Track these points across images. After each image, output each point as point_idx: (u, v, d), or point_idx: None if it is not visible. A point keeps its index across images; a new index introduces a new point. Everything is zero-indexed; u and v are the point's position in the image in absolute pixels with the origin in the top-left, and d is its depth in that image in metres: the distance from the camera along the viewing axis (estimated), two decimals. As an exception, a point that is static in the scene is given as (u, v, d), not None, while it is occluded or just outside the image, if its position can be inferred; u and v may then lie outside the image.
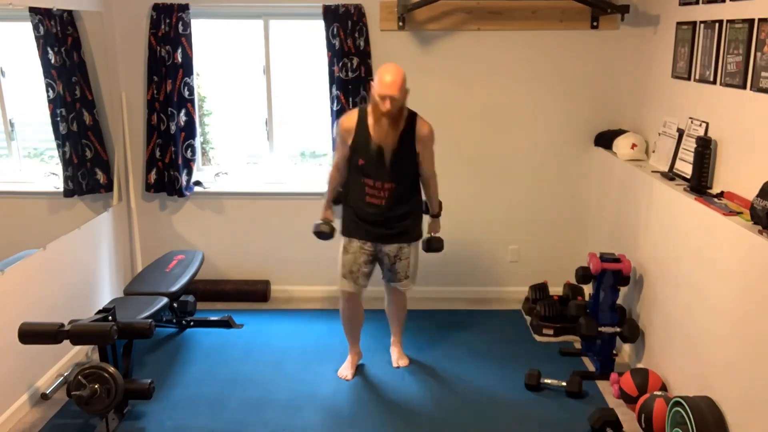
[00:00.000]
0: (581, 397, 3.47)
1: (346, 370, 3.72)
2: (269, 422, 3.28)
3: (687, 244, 3.11)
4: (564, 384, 3.51)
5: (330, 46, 4.31)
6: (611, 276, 3.61)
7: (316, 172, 4.80)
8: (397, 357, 3.84)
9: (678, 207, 3.20)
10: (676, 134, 3.54)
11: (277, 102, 4.63)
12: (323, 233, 3.61)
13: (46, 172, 4.17)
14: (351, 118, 3.43)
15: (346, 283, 3.55)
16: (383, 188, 3.38)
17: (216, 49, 4.64)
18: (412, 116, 3.38)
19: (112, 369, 3.04)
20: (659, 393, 3.14)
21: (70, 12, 4.00)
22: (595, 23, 4.31)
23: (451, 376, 3.70)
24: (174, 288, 3.90)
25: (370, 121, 3.33)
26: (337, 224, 3.61)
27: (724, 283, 2.76)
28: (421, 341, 4.09)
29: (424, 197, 3.61)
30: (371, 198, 3.41)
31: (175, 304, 4.17)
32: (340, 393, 3.54)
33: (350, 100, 4.35)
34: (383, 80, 3.19)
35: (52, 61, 3.93)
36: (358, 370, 3.77)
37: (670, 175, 3.50)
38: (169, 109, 4.40)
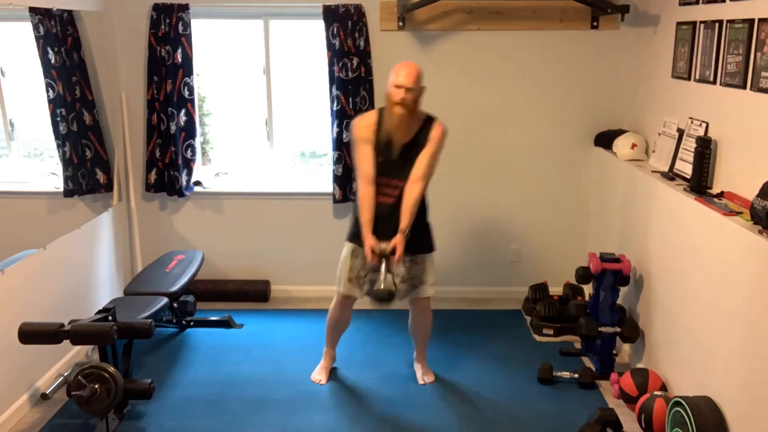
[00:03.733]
0: (594, 387, 3.51)
1: (319, 374, 3.66)
2: (269, 422, 3.28)
3: (687, 244, 3.11)
4: (576, 375, 3.55)
5: (330, 46, 4.31)
6: (611, 276, 3.61)
7: (316, 172, 4.81)
8: (422, 374, 3.66)
9: (678, 207, 3.20)
10: (676, 134, 3.54)
11: (277, 102, 4.63)
12: (382, 297, 3.17)
13: (46, 172, 4.17)
14: (369, 116, 3.33)
15: (350, 288, 3.42)
16: (395, 186, 3.27)
17: (216, 49, 4.65)
18: (430, 119, 3.31)
19: (112, 369, 3.04)
20: (659, 393, 3.14)
21: (70, 12, 4.00)
22: (595, 23, 4.31)
23: (451, 377, 3.70)
24: (174, 288, 3.90)
25: (385, 114, 3.25)
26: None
27: (724, 283, 2.76)
28: (421, 341, 4.09)
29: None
30: (382, 197, 3.28)
31: (175, 304, 4.17)
32: (340, 393, 3.54)
33: (350, 100, 4.35)
34: (398, 72, 3.17)
35: (52, 61, 3.93)
36: (360, 370, 3.77)
37: (670, 175, 3.50)
38: (169, 109, 4.40)
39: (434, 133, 3.27)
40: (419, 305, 3.52)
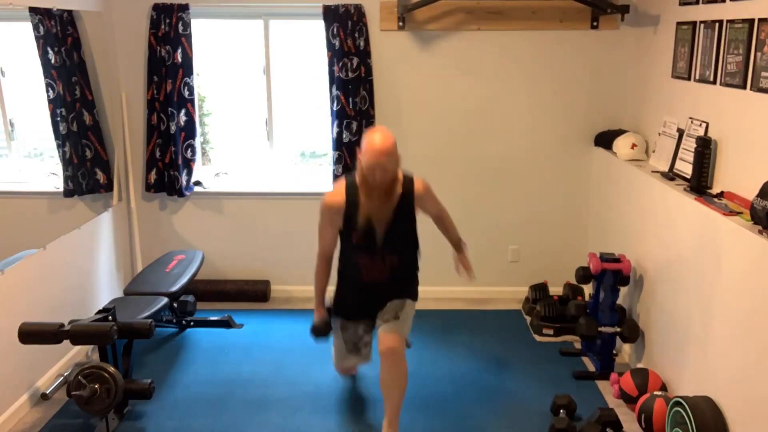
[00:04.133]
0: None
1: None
2: (269, 422, 3.28)
3: (687, 244, 3.11)
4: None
5: (330, 46, 4.31)
6: (611, 276, 3.61)
7: (316, 172, 4.81)
8: None
9: (678, 207, 3.20)
10: (676, 134, 3.54)
11: (277, 102, 4.63)
12: (319, 330, 3.21)
13: (46, 172, 4.17)
14: (338, 193, 2.97)
15: (353, 359, 3.26)
16: (385, 264, 3.02)
17: (216, 49, 4.65)
18: (409, 182, 2.99)
19: (112, 369, 3.04)
20: (659, 393, 3.14)
21: (70, 12, 4.00)
22: (595, 23, 4.31)
23: (451, 377, 3.70)
24: (174, 288, 3.90)
25: (361, 193, 2.91)
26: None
27: (724, 283, 2.76)
28: (420, 341, 4.09)
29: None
30: (370, 276, 3.04)
31: (175, 304, 4.17)
32: (340, 393, 3.54)
33: (350, 100, 4.35)
34: (371, 145, 2.79)
35: (52, 61, 3.93)
36: (360, 370, 3.77)
37: (670, 175, 3.50)
38: (169, 109, 4.40)
39: (420, 193, 3.00)
40: (388, 354, 2.93)
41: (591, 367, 3.77)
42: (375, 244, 2.98)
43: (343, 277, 3.21)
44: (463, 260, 3.36)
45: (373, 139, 2.81)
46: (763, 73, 2.77)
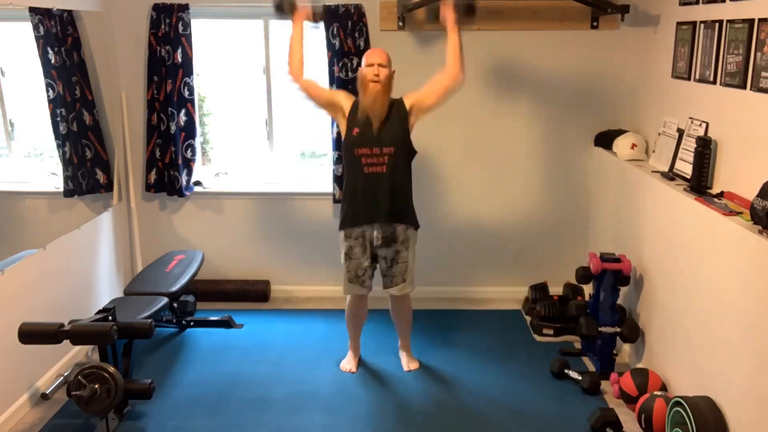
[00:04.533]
0: (598, 393, 3.50)
1: (349, 364, 3.79)
2: (269, 422, 3.28)
3: (687, 244, 3.11)
4: (580, 378, 3.55)
5: (330, 46, 4.31)
6: (611, 276, 3.61)
7: (316, 172, 4.81)
8: (407, 361, 3.81)
9: (678, 207, 3.20)
10: (676, 134, 3.54)
11: (277, 102, 4.63)
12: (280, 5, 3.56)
13: (46, 172, 4.17)
14: (350, 96, 3.58)
15: (353, 288, 3.60)
16: (382, 153, 3.40)
17: (216, 49, 4.64)
18: (399, 100, 3.50)
19: (112, 369, 3.04)
20: (659, 393, 3.14)
21: (70, 12, 4.00)
22: (595, 23, 4.31)
23: (451, 377, 3.70)
24: (174, 288, 3.90)
25: (360, 94, 3.46)
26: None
27: (724, 283, 2.76)
28: (421, 341, 4.09)
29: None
30: (371, 168, 3.42)
31: (175, 304, 4.17)
32: (340, 393, 3.54)
33: (350, 100, 4.35)
34: (369, 55, 3.44)
35: (52, 61, 3.93)
36: (359, 370, 3.77)
37: (670, 175, 3.50)
38: (169, 109, 4.40)
39: (407, 98, 3.49)
40: (397, 297, 3.65)
41: (591, 367, 3.77)
42: (372, 134, 3.40)
43: (349, 183, 3.51)
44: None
45: (371, 51, 3.50)
46: (763, 73, 2.77)
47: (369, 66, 3.40)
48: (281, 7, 3.56)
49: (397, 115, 3.45)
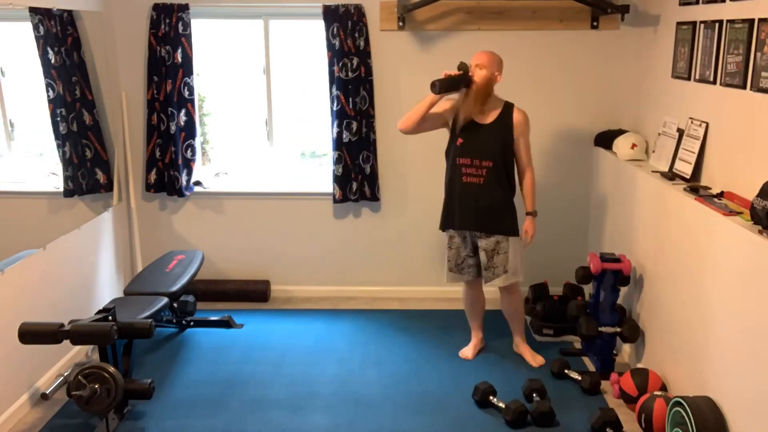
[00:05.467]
0: (598, 393, 3.51)
1: (468, 351, 3.89)
2: (269, 422, 3.28)
3: (687, 245, 3.11)
4: (580, 378, 3.55)
5: (330, 46, 4.31)
6: (611, 276, 3.61)
7: (316, 172, 4.81)
8: (530, 356, 3.82)
9: (678, 207, 3.20)
10: (676, 134, 3.54)
11: (277, 102, 4.63)
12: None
13: (46, 172, 4.17)
14: (450, 101, 3.58)
15: (452, 276, 3.75)
16: (481, 166, 3.48)
17: (216, 49, 4.65)
18: (509, 105, 3.54)
19: (112, 369, 3.04)
20: (659, 393, 3.14)
21: (70, 12, 4.00)
22: (595, 23, 4.31)
23: (451, 377, 3.70)
24: (174, 288, 3.90)
25: (460, 98, 3.50)
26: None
27: (724, 283, 2.76)
28: (421, 341, 4.09)
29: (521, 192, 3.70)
30: (469, 177, 3.52)
31: (175, 304, 4.17)
32: (340, 393, 3.54)
33: (350, 100, 4.35)
34: (476, 55, 3.48)
35: (52, 61, 3.93)
36: (360, 370, 3.77)
37: (670, 175, 3.50)
38: (169, 109, 4.40)
39: (518, 119, 3.49)
40: (503, 291, 3.73)
41: (591, 367, 3.77)
42: (473, 146, 3.49)
43: (448, 188, 3.65)
44: (527, 225, 3.65)
45: (478, 52, 3.50)
46: (763, 73, 2.77)
47: (474, 65, 3.46)
48: (456, 84, 3.45)
49: (502, 125, 3.49)
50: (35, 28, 3.81)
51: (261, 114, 4.67)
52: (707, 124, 3.25)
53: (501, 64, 3.51)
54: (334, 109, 4.38)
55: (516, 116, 3.51)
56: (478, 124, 3.50)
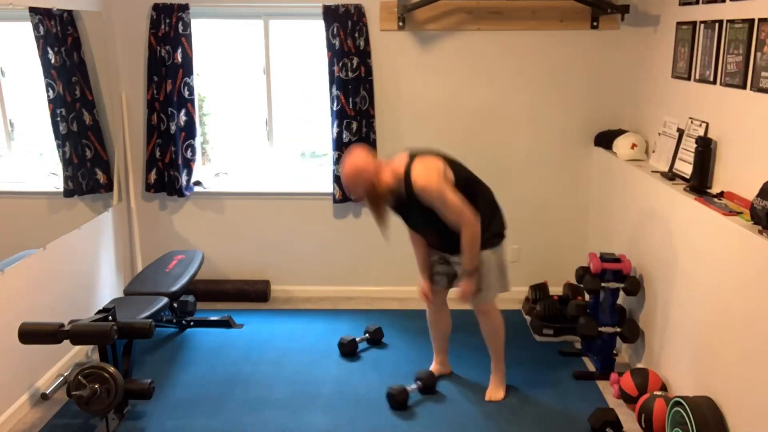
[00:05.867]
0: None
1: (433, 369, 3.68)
2: (269, 422, 3.28)
3: (687, 244, 3.11)
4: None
5: (330, 46, 4.31)
6: (611, 276, 3.61)
7: (316, 172, 4.81)
8: (492, 388, 3.51)
9: (678, 207, 3.20)
10: (676, 134, 3.54)
11: (277, 102, 4.63)
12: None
13: (46, 172, 4.17)
14: (440, 161, 3.25)
15: (422, 276, 3.49)
16: (429, 233, 3.33)
17: (216, 49, 4.65)
18: (408, 173, 3.06)
19: (112, 369, 3.04)
20: (659, 393, 3.14)
21: (70, 12, 4.00)
22: (595, 23, 4.31)
23: (451, 377, 3.70)
24: (174, 288, 3.90)
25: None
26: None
27: (724, 282, 2.76)
28: (421, 341, 4.09)
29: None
30: (427, 239, 3.39)
31: (175, 304, 4.17)
32: (340, 393, 3.54)
33: (350, 100, 4.35)
34: (342, 173, 3.13)
35: (52, 61, 3.93)
36: (360, 371, 3.77)
37: (670, 175, 3.50)
38: (169, 109, 4.40)
39: (417, 189, 3.05)
40: (478, 313, 3.46)
41: (591, 367, 3.77)
42: (411, 222, 3.34)
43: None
44: (463, 286, 3.29)
45: (342, 165, 3.14)
46: (763, 73, 2.77)
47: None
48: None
49: (413, 197, 3.10)
50: (35, 28, 3.81)
51: (261, 114, 4.67)
52: (707, 124, 3.25)
53: (370, 171, 3.03)
54: (334, 109, 4.38)
55: (415, 188, 3.05)
56: (402, 203, 3.17)
